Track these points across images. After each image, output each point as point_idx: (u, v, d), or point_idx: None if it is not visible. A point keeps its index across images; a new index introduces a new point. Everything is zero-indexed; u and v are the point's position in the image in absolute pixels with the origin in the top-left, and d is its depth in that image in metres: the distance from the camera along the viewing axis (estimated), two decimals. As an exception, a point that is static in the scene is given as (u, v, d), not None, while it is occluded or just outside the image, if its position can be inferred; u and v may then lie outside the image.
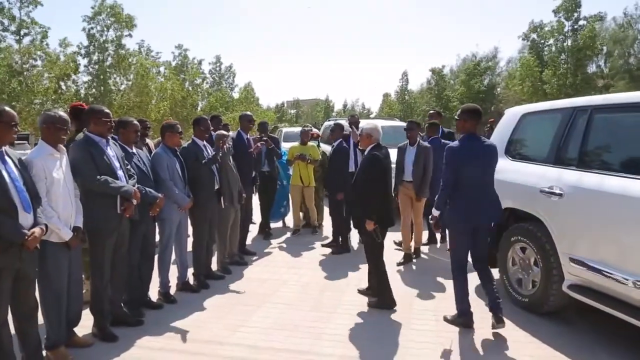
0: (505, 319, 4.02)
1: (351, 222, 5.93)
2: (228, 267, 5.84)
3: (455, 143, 4.11)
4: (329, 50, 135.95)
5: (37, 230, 3.04)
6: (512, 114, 5.22)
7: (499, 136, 5.20)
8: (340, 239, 6.91)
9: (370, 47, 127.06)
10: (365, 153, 4.66)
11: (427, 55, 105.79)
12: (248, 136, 6.76)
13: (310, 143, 8.01)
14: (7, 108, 3.08)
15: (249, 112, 7.19)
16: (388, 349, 3.79)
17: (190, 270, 5.30)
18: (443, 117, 5.89)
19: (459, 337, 3.98)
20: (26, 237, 2.96)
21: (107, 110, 3.94)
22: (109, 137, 3.95)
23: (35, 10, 24.63)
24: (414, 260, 6.35)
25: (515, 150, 4.97)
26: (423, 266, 6.18)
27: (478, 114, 4.11)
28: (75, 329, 3.86)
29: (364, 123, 5.35)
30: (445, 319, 4.29)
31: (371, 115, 57.94)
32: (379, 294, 4.68)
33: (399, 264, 6.08)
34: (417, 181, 6.13)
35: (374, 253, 4.66)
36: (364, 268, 5.87)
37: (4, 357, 3.08)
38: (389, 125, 10.54)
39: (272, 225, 8.29)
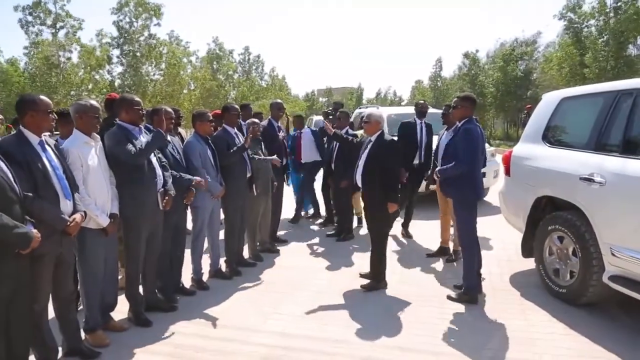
0: (541, 310, 3.97)
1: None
2: (259, 254, 5.88)
3: (475, 126, 4.45)
4: (361, 38, 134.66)
5: (77, 216, 3.14)
6: (549, 99, 5.04)
7: (536, 122, 5.04)
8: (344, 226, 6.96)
9: (404, 33, 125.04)
10: (373, 140, 4.72)
11: (464, 41, 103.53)
12: (279, 124, 6.76)
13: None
14: (42, 96, 3.14)
15: (279, 100, 7.17)
16: (421, 338, 3.74)
17: (223, 258, 5.36)
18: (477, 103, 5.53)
19: (493, 328, 3.90)
20: (68, 224, 3.05)
21: (138, 99, 3.99)
22: (141, 126, 4.00)
23: (69, 3, 25.20)
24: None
25: (553, 137, 4.79)
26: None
27: (476, 101, 4.67)
28: (112, 314, 3.96)
29: (370, 110, 5.19)
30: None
31: (402, 103, 57.28)
32: (376, 277, 4.85)
33: (429, 255, 5.87)
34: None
35: (382, 238, 4.84)
36: (394, 257, 5.85)
37: (45, 339, 3.19)
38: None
39: (304, 213, 8.41)
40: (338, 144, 6.59)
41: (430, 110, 12.05)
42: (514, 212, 5.16)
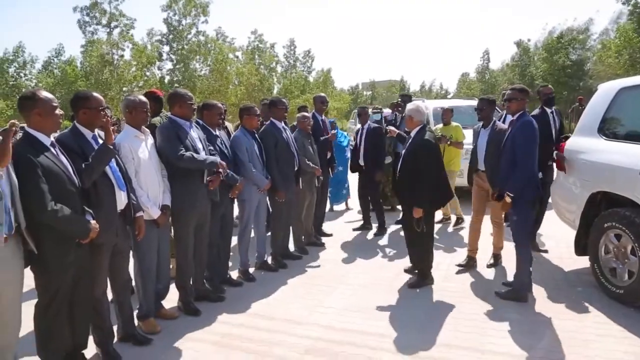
0: (595, 310, 3.83)
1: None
2: (305, 247, 5.94)
3: (532, 119, 4.27)
4: (405, 29, 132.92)
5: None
6: (606, 90, 4.80)
7: (591, 114, 4.81)
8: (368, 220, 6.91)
9: (449, 24, 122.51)
10: (412, 136, 4.59)
11: (511, 33, 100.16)
12: (323, 117, 6.77)
13: (454, 123, 7.23)
14: (94, 93, 3.27)
15: (322, 94, 7.18)
16: (468, 335, 3.68)
17: (269, 250, 5.44)
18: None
19: (544, 328, 3.78)
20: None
21: (190, 94, 4.10)
22: (192, 120, 4.10)
23: (122, 3, 26.17)
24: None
25: (610, 129, 4.57)
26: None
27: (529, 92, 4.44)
28: (163, 303, 4.11)
29: (414, 103, 4.84)
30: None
31: (449, 96, 56.13)
32: (422, 273, 4.78)
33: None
34: (489, 171, 4.96)
35: (427, 234, 4.68)
36: (441, 253, 5.76)
37: (103, 323, 3.36)
38: (467, 105, 10.14)
39: (336, 207, 8.52)
40: (365, 137, 6.67)
41: (461, 103, 11.75)
42: (566, 208, 4.96)
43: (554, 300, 4.28)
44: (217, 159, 4.09)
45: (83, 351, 3.26)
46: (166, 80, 27.74)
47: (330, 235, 6.71)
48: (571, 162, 4.84)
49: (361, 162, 6.81)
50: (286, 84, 35.63)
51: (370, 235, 6.83)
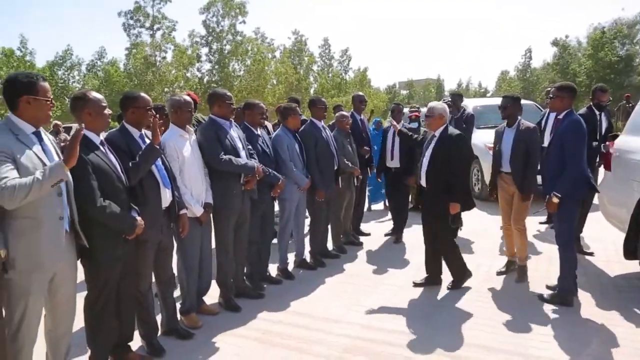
0: None
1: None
2: (343, 246, 5.94)
3: (579, 117, 4.09)
4: (443, 27, 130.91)
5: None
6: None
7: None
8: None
9: (487, 21, 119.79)
10: (438, 135, 4.45)
11: (555, 29, 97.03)
12: (362, 117, 6.75)
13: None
14: (142, 94, 3.38)
15: (361, 93, 7.15)
16: (509, 339, 3.60)
17: (307, 248, 5.48)
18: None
19: (591, 334, 3.65)
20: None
21: (229, 94, 4.16)
22: (232, 120, 4.16)
23: (165, 6, 26.92)
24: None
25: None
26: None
27: (576, 90, 4.26)
28: (204, 298, 4.19)
29: (433, 103, 4.61)
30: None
31: (487, 95, 54.98)
32: (459, 277, 4.64)
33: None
34: (517, 172, 4.64)
35: (449, 237, 4.63)
36: (481, 253, 5.65)
37: (148, 317, 3.46)
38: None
39: (374, 207, 8.48)
40: (398, 139, 6.17)
41: (486, 101, 11.34)
42: (615, 209, 4.78)
43: (601, 305, 4.13)
44: (255, 163, 4.12)
45: (129, 343, 3.36)
46: (205, 81, 28.32)
47: (369, 234, 6.69)
48: (620, 162, 4.66)
49: (391, 164, 6.43)
50: (323, 84, 35.69)
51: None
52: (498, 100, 5.11)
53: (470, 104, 10.04)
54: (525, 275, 4.76)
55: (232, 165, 3.93)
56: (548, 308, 4.10)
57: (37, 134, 2.59)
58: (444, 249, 4.61)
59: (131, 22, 27.72)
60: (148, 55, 26.58)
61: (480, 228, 6.80)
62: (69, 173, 2.68)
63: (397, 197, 6.57)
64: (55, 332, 2.83)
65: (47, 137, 2.67)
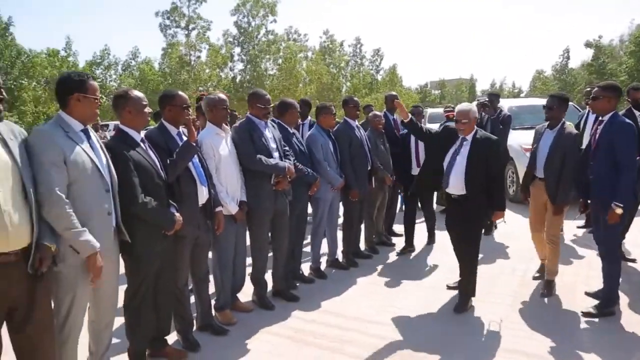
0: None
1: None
2: (375, 247, 5.92)
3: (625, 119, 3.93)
4: (475, 26, 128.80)
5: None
6: None
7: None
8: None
9: (521, 19, 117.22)
10: (470, 139, 4.07)
11: (594, 28, 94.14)
12: (395, 117, 6.71)
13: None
14: (179, 92, 3.45)
15: (394, 92, 7.10)
16: (546, 345, 3.50)
17: (340, 248, 5.47)
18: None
19: (636, 346, 3.52)
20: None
21: (267, 97, 4.17)
22: (267, 120, 4.19)
23: (200, 6, 27.51)
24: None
25: None
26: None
27: (621, 90, 4.04)
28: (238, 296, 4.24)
29: (464, 105, 4.22)
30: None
31: (521, 95, 53.85)
32: (467, 296, 4.21)
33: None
34: (551, 180, 4.27)
35: (474, 247, 4.22)
36: (515, 257, 5.52)
37: (184, 312, 3.52)
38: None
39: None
40: (422, 143, 5.56)
41: (538, 102, 10.99)
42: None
43: (645, 313, 4.00)
44: (287, 163, 4.10)
45: (166, 337, 3.42)
46: (237, 80, 28.76)
47: (401, 235, 6.61)
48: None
49: (416, 171, 5.76)
50: (355, 83, 35.63)
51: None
52: (534, 101, 4.95)
53: (505, 105, 9.85)
54: (552, 290, 4.45)
55: (263, 165, 3.96)
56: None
57: (86, 132, 2.68)
58: (468, 257, 4.24)
59: (167, 22, 28.49)
60: (183, 54, 27.22)
61: (514, 231, 6.65)
62: (113, 170, 2.76)
63: (425, 207, 6.15)
64: (98, 324, 2.91)
65: (94, 135, 2.75)
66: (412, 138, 5.83)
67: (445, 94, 61.95)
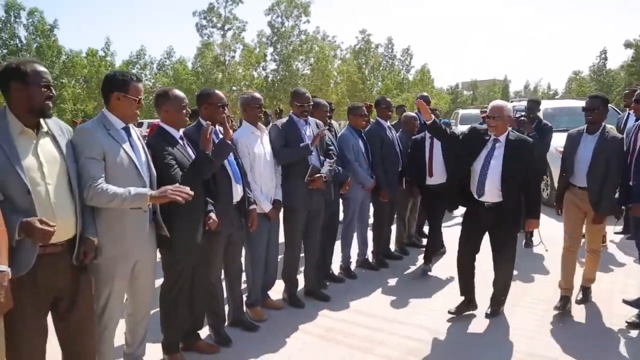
0: None
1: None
2: (406, 248, 5.89)
3: None
4: (508, 26, 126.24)
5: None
6: None
7: None
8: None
9: (557, 18, 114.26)
10: (503, 141, 3.76)
11: (633, 29, 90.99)
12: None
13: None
14: (216, 91, 3.53)
15: (425, 93, 7.05)
16: (584, 352, 3.43)
17: (370, 249, 5.45)
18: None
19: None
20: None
21: (307, 96, 4.20)
22: (307, 119, 4.21)
23: (236, 7, 28.05)
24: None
25: None
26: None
27: None
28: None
29: (497, 102, 3.93)
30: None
31: (556, 97, 52.53)
32: (504, 295, 4.06)
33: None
34: (594, 188, 3.90)
35: (514, 253, 3.98)
36: (554, 258, 5.37)
37: (217, 307, 3.59)
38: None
39: None
40: (440, 143, 5.05)
41: (576, 103, 10.67)
42: None
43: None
44: (308, 145, 4.03)
45: (198, 332, 3.50)
46: (270, 80, 29.14)
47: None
48: None
49: (430, 182, 5.22)
50: (387, 83, 35.46)
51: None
52: (571, 103, 4.70)
53: (541, 106, 9.66)
54: (588, 297, 4.29)
55: (288, 155, 4.01)
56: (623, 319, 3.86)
57: (127, 130, 2.75)
58: (504, 264, 3.95)
59: (204, 22, 29.16)
60: (218, 54, 27.84)
61: (550, 233, 6.51)
62: (153, 167, 2.84)
63: (433, 220, 5.47)
64: (135, 316, 3.00)
65: (135, 133, 2.82)
66: (427, 143, 5.18)
67: (477, 95, 60.97)
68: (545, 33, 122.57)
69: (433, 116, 3.97)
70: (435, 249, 5.45)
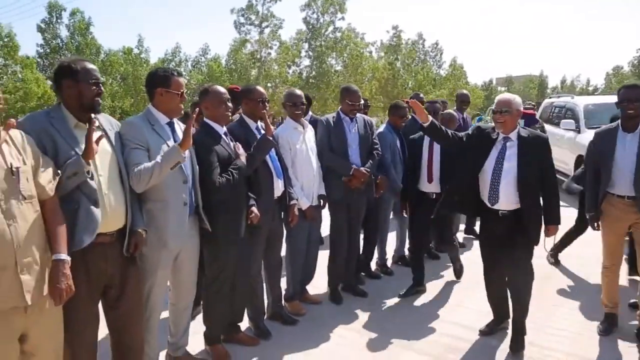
0: None
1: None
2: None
3: None
4: (545, 19, 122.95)
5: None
6: None
7: None
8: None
9: (595, 13, 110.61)
10: (515, 139, 3.30)
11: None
12: (465, 116, 6.56)
13: None
14: (257, 87, 3.57)
15: (465, 91, 6.94)
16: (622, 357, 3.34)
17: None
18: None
19: None
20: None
21: (359, 94, 4.16)
22: (355, 116, 4.19)
23: (274, 5, 28.45)
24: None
25: None
26: None
27: None
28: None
29: (506, 95, 3.39)
30: None
31: (596, 93, 50.95)
32: (520, 337, 3.46)
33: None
34: None
35: (530, 274, 3.44)
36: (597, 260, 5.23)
37: (257, 300, 3.66)
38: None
39: None
40: (438, 152, 4.33)
41: (598, 99, 10.11)
42: None
43: None
44: (353, 166, 4.01)
45: (239, 324, 3.57)
46: (303, 76, 29.34)
47: (475, 238, 6.49)
48: None
49: (428, 189, 4.37)
50: (420, 79, 35.04)
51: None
52: (612, 99, 4.24)
53: (580, 102, 9.38)
54: None
55: (332, 161, 4.04)
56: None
57: (171, 125, 2.83)
58: (524, 288, 3.43)
59: (242, 19, 29.67)
60: (255, 50, 28.31)
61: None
62: (195, 162, 2.90)
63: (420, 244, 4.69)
64: (178, 306, 3.08)
65: (180, 128, 2.89)
66: (426, 146, 4.39)
67: (512, 91, 59.49)
68: (583, 27, 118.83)
69: (430, 117, 3.42)
70: (417, 284, 4.52)
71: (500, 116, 3.25)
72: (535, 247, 3.42)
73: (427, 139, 4.32)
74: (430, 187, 4.33)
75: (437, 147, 4.30)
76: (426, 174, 4.35)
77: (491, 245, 3.54)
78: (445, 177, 4.23)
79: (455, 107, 6.57)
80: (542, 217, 3.34)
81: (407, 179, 4.51)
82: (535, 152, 3.26)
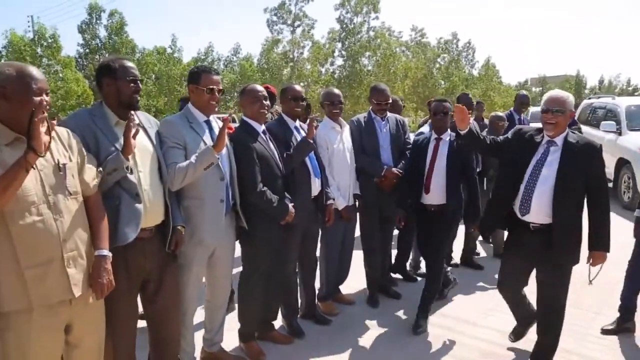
0: None
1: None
2: (476, 250, 5.71)
3: None
4: (581, 18, 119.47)
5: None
6: None
7: None
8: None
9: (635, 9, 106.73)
10: (560, 143, 2.90)
11: None
12: (522, 116, 6.43)
13: None
14: (293, 86, 3.59)
15: (525, 92, 6.82)
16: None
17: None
18: None
19: None
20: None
21: (387, 93, 4.10)
22: (386, 116, 4.15)
23: (306, 5, 28.74)
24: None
25: None
26: None
27: None
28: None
29: (557, 92, 3.00)
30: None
31: (636, 93, 49.22)
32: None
33: None
34: None
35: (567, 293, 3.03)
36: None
37: (291, 299, 3.66)
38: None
39: None
40: (444, 157, 3.78)
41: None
42: None
43: None
44: (385, 168, 3.94)
45: (273, 322, 3.58)
46: (336, 76, 29.40)
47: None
48: None
49: (428, 201, 3.78)
50: (454, 80, 34.58)
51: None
52: None
53: (622, 103, 9.09)
54: None
55: (365, 164, 4.00)
56: None
57: (208, 123, 2.86)
58: (557, 314, 3.04)
59: (274, 18, 30.03)
60: (287, 50, 28.55)
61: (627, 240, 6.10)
62: (233, 159, 2.92)
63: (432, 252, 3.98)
64: (213, 303, 3.12)
65: (218, 126, 2.90)
66: (430, 151, 3.82)
67: (547, 92, 58.05)
68: (621, 25, 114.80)
69: (470, 124, 3.03)
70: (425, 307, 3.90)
71: (552, 116, 2.84)
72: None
73: (432, 143, 3.81)
74: (428, 198, 3.77)
75: (442, 153, 3.74)
76: (424, 183, 3.77)
77: (515, 259, 3.14)
78: (451, 188, 3.72)
79: (513, 108, 6.48)
80: (576, 237, 2.91)
81: (403, 186, 3.96)
82: (582, 161, 2.81)
